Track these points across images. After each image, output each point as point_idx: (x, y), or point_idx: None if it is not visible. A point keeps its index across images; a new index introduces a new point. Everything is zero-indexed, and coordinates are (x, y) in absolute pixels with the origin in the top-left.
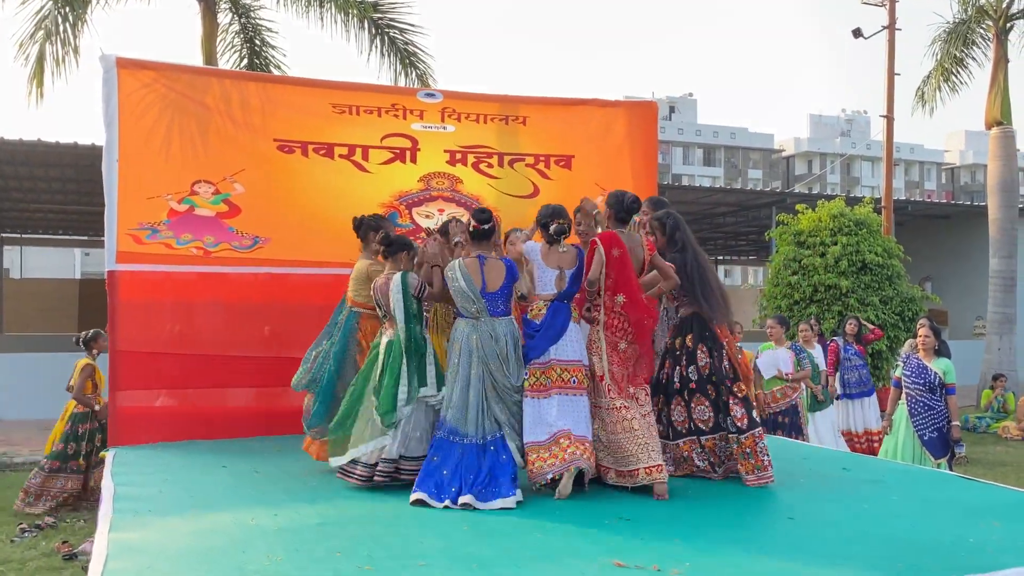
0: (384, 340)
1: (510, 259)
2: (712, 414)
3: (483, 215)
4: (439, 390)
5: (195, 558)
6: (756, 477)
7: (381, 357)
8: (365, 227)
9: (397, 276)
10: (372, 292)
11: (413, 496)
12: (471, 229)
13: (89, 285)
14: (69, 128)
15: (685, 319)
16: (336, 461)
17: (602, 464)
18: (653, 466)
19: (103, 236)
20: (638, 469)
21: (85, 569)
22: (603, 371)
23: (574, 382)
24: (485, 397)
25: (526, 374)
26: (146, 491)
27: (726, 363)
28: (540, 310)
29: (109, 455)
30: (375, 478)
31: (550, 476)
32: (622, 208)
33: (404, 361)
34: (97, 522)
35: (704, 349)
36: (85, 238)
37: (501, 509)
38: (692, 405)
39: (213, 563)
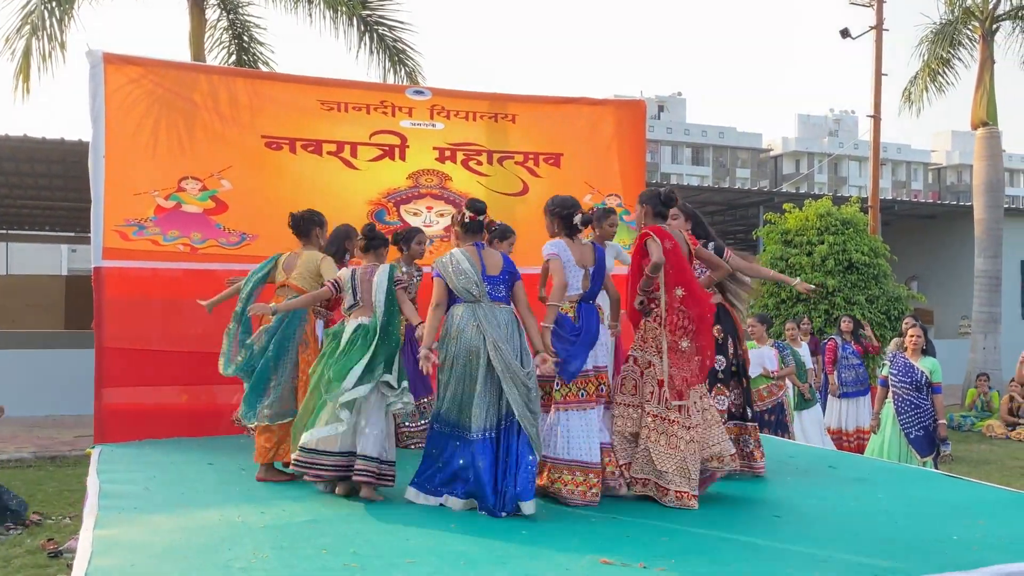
0: (351, 325)
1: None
2: (742, 402)
3: (478, 205)
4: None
5: (181, 555)
6: (762, 464)
7: (347, 337)
8: (307, 223)
9: (385, 267)
10: (337, 281)
11: (409, 493)
12: (466, 220)
13: (76, 282)
14: (56, 124)
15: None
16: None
17: (636, 476)
18: (686, 492)
19: (90, 233)
20: (669, 490)
21: (70, 567)
22: (663, 374)
23: (603, 390)
24: (490, 385)
25: (557, 384)
26: (132, 488)
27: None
28: (567, 313)
29: (95, 452)
30: (324, 473)
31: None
32: (659, 202)
33: (375, 342)
34: (82, 519)
35: (732, 340)
36: (72, 234)
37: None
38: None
39: (199, 560)
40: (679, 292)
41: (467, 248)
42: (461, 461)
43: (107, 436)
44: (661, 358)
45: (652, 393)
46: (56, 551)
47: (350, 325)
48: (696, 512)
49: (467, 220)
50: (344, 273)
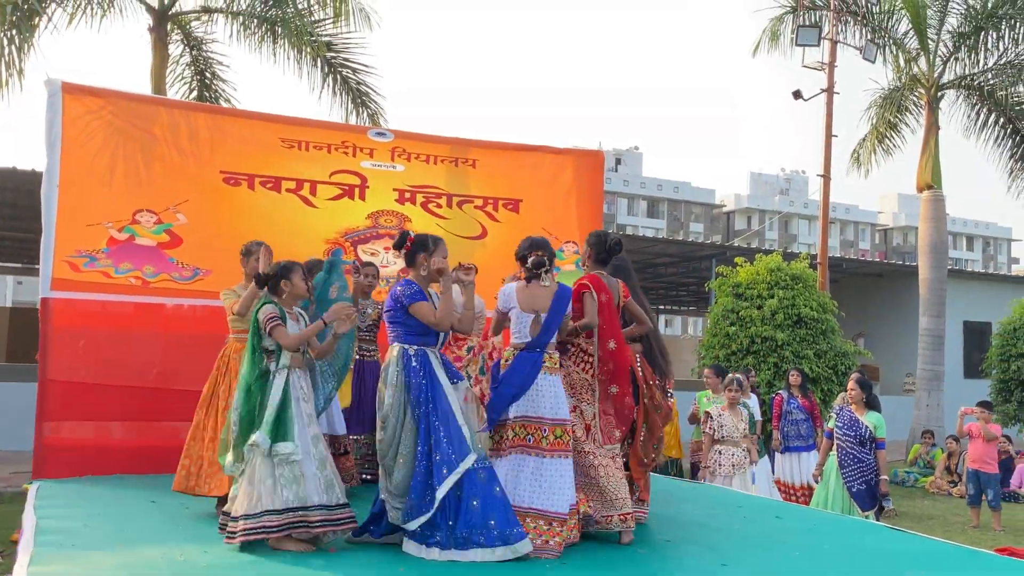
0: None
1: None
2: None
3: (400, 239)
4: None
5: None
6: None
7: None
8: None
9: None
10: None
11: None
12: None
13: (20, 314)
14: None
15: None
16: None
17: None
18: (627, 513)
19: (38, 264)
20: (612, 516)
21: None
22: (594, 418)
23: (546, 443)
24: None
25: (488, 429)
26: (70, 524)
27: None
28: (508, 359)
29: (32, 488)
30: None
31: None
32: (604, 248)
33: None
34: (16, 556)
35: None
36: (19, 265)
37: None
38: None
39: None
40: (612, 344)
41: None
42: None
43: (46, 471)
44: (592, 404)
45: (587, 436)
46: None
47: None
48: (644, 560)
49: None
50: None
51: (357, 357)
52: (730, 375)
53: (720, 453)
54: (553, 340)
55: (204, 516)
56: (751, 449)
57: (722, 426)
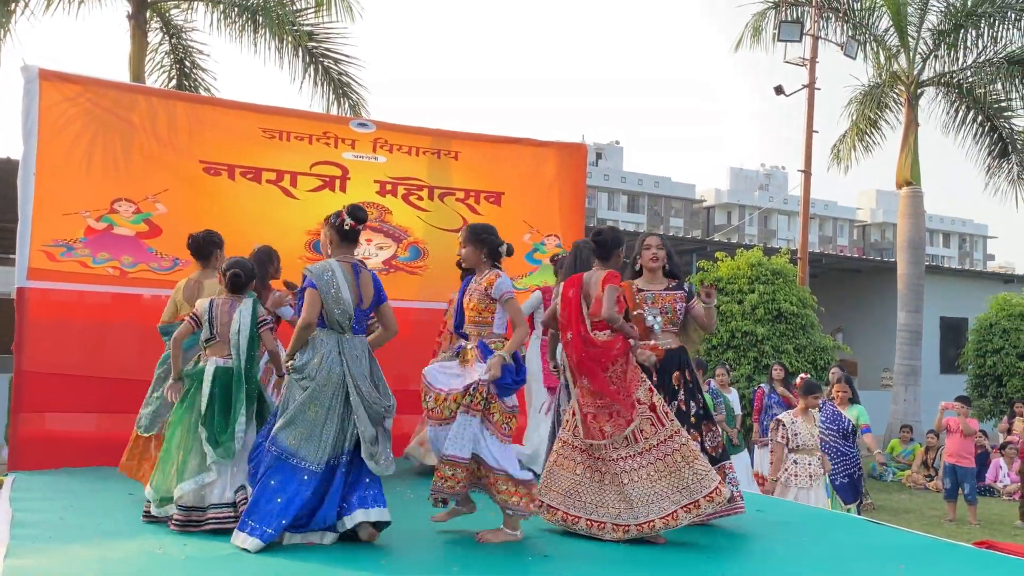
0: (210, 367)
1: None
2: (717, 443)
3: (360, 214)
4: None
5: None
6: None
7: (207, 387)
8: (208, 244)
9: (248, 303)
10: (195, 314)
11: (242, 538)
12: (344, 227)
13: None
14: None
15: (674, 352)
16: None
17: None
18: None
19: (12, 254)
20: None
21: None
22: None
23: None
24: (345, 419)
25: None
26: (47, 517)
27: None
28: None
29: (7, 480)
30: (207, 525)
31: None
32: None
33: (237, 393)
34: None
35: (696, 384)
36: None
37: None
38: (705, 435)
39: None
40: (569, 336)
41: (345, 267)
42: (301, 492)
43: (21, 463)
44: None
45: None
46: None
47: (209, 367)
48: (627, 554)
49: (346, 227)
50: (202, 304)
51: None
52: (807, 378)
53: (796, 463)
54: (468, 326)
55: None
56: (824, 459)
57: (796, 434)
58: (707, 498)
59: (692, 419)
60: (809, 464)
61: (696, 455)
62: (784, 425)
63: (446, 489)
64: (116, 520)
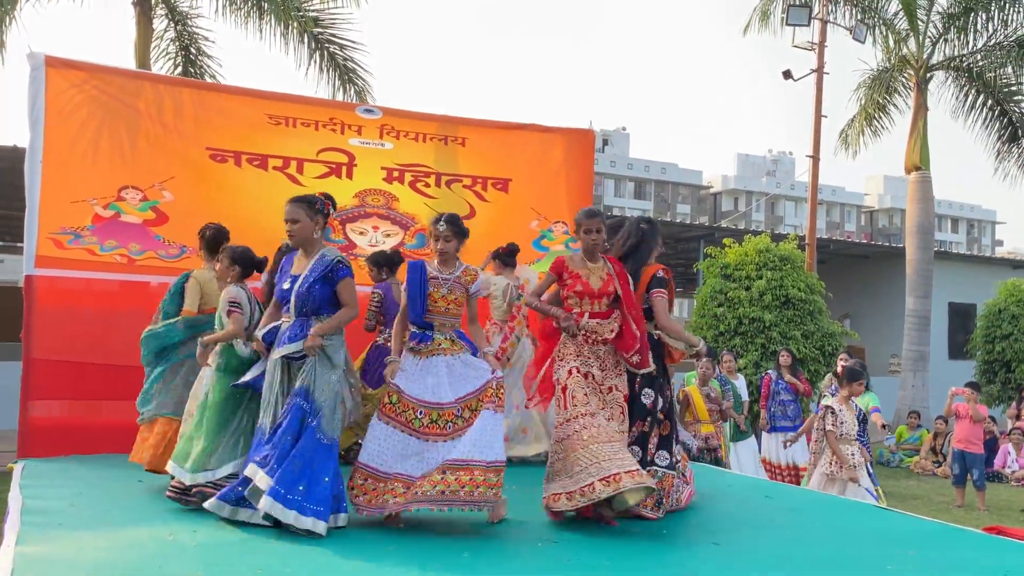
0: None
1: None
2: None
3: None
4: None
5: (109, 573)
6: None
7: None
8: (223, 238)
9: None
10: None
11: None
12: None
13: (2, 293)
14: None
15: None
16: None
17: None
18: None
19: (19, 242)
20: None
21: None
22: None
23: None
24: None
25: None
26: (57, 504)
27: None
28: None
29: (17, 467)
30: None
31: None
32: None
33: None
34: (2, 536)
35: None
36: (0, 243)
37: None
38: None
39: None
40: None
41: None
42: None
43: (31, 451)
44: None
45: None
46: None
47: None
48: (636, 538)
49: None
50: (237, 293)
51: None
52: (850, 364)
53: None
54: (429, 317)
55: None
56: (862, 448)
57: (843, 423)
58: (603, 481)
59: (658, 414)
60: (852, 454)
61: (597, 441)
62: (835, 412)
63: (493, 497)
64: (126, 507)
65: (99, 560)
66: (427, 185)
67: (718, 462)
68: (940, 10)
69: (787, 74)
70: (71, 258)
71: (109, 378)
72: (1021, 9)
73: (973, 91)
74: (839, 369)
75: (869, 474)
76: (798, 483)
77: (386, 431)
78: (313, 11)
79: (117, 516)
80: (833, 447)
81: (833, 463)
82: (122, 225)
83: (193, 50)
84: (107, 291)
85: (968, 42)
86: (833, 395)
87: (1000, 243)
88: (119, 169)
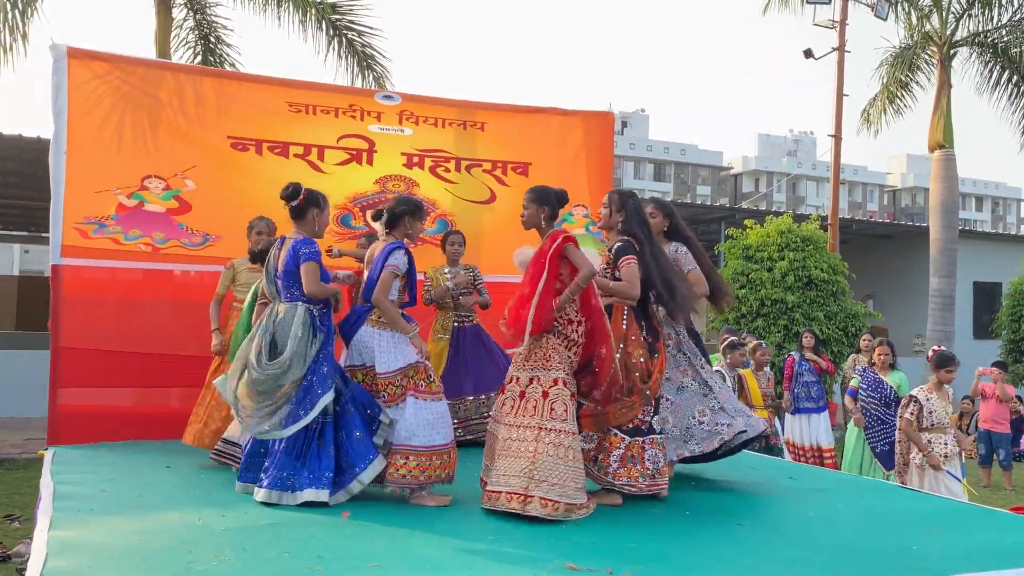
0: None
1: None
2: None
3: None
4: None
5: (139, 557)
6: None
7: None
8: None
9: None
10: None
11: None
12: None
13: (29, 282)
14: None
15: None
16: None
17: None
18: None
19: (44, 232)
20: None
21: (20, 572)
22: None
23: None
24: None
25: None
26: (88, 490)
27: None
28: None
29: (48, 454)
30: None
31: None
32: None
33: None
34: (35, 521)
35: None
36: (25, 234)
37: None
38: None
39: (158, 562)
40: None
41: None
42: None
43: (61, 438)
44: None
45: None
46: (5, 555)
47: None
48: (661, 520)
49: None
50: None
51: (456, 324)
52: (941, 350)
53: (930, 443)
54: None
55: (220, 480)
56: (961, 438)
57: (932, 411)
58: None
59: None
60: (945, 444)
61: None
62: (918, 402)
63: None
64: (154, 492)
65: (130, 544)
66: (447, 170)
67: (770, 450)
68: None
69: (808, 53)
70: (96, 247)
71: (136, 366)
72: None
73: (998, 67)
74: (862, 346)
75: (888, 453)
76: (822, 464)
77: None
78: None
79: (147, 501)
80: (911, 436)
81: (919, 453)
82: (146, 214)
83: (212, 39)
84: (132, 280)
85: (992, 17)
86: (861, 375)
87: None
88: (142, 158)
